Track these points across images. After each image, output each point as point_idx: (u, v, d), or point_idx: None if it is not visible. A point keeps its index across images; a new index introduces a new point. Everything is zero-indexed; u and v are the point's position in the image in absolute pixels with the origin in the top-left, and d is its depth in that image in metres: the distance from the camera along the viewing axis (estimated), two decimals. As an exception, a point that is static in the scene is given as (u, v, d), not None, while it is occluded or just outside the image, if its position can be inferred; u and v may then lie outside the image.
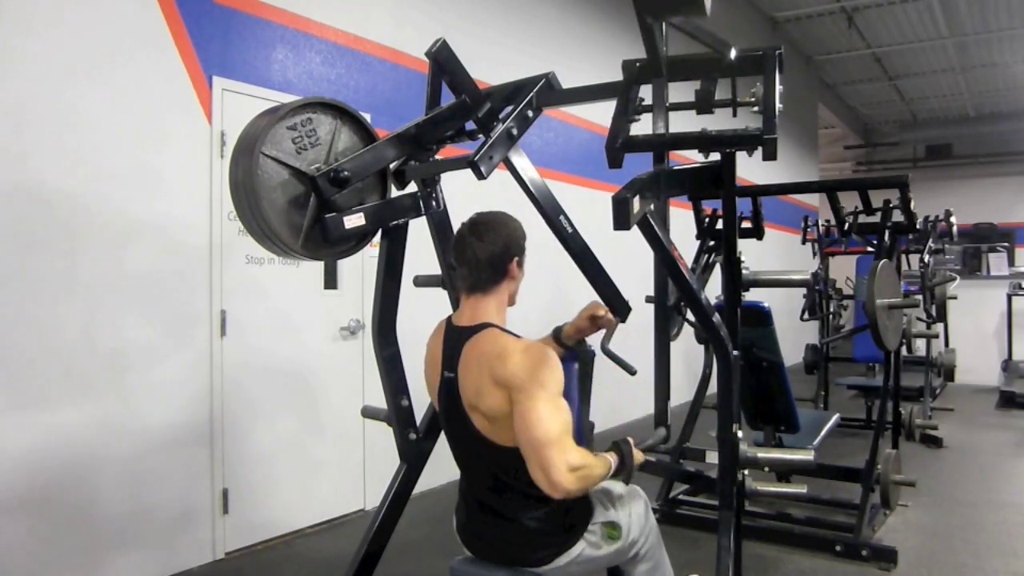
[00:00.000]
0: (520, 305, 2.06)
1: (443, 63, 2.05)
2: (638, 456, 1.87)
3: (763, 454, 2.19)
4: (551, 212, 2.19)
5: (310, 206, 1.93)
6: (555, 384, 1.68)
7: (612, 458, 1.79)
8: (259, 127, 1.90)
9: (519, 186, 2.17)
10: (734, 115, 2.10)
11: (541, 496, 1.70)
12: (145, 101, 3.10)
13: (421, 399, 2.23)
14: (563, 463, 1.60)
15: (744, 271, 2.34)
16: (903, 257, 6.23)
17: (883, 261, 3.54)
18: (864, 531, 3.43)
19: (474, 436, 1.80)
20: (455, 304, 2.27)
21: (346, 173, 1.91)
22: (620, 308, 2.11)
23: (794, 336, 7.89)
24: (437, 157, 2.29)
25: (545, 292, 4.89)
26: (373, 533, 2.13)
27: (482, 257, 1.84)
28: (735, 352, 2.20)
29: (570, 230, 2.07)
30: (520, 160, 2.13)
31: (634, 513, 1.97)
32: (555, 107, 2.30)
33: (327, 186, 1.89)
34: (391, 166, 2.16)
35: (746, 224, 3.73)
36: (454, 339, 1.87)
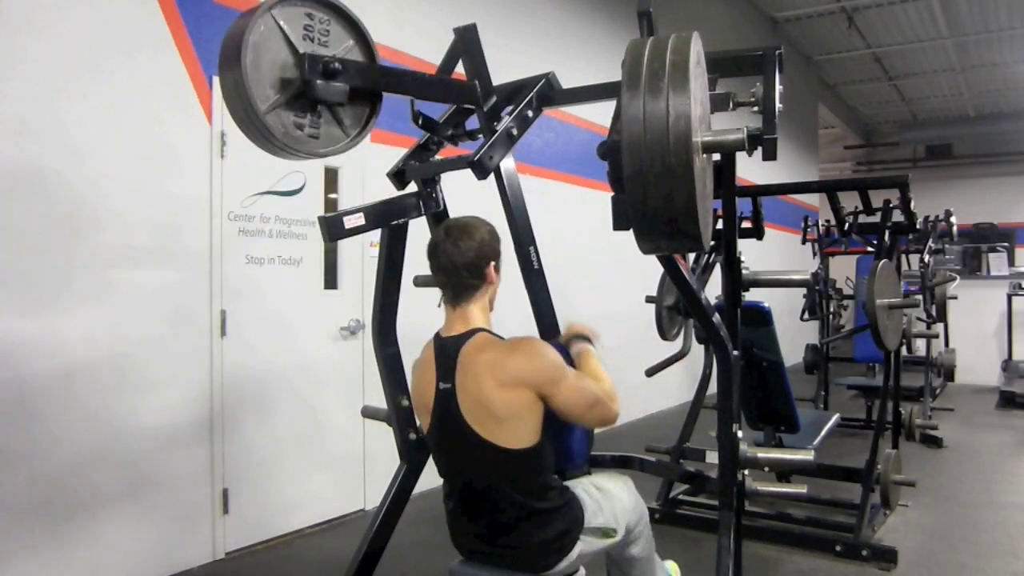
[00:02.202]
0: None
1: (467, 43, 2.02)
2: (588, 331, 2.08)
3: (763, 454, 2.20)
4: (522, 225, 2.19)
5: (292, 83, 1.80)
6: (561, 361, 1.79)
7: (588, 347, 2.02)
8: None
9: (498, 189, 2.17)
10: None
11: (536, 508, 1.79)
12: (145, 101, 3.10)
13: (421, 399, 2.23)
14: (610, 409, 1.83)
15: (744, 271, 2.34)
16: (903, 257, 6.23)
17: (883, 261, 3.54)
18: (864, 531, 3.43)
19: (476, 443, 1.75)
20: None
21: (338, 66, 1.80)
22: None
23: (794, 336, 7.89)
24: (437, 157, 2.30)
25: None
26: (373, 533, 2.13)
27: (459, 263, 1.82)
28: (735, 352, 2.20)
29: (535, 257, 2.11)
30: (506, 163, 2.13)
31: (621, 507, 1.98)
32: (555, 107, 2.30)
33: (315, 69, 1.77)
34: (391, 167, 2.17)
35: (746, 224, 3.73)
36: (447, 350, 1.84)
